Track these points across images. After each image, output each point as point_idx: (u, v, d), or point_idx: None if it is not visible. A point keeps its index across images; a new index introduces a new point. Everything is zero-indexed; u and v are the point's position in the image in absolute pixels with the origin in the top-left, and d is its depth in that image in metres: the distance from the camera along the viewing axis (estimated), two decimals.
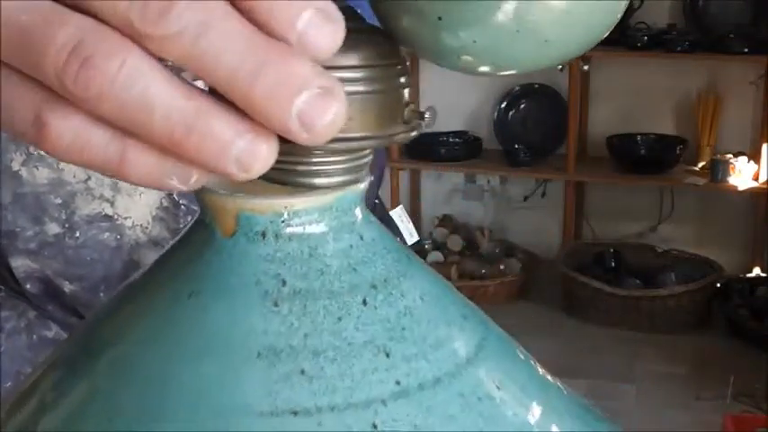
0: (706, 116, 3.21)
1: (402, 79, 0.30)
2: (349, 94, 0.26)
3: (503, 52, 0.29)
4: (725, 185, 3.13)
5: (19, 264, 0.62)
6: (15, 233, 0.60)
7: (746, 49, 3.02)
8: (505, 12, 0.28)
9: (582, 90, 3.36)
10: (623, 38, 3.16)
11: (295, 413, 0.27)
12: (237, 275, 0.29)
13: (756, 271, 3.25)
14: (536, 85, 3.48)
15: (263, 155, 0.25)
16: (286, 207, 0.29)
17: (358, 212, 0.31)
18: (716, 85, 3.26)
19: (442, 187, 3.71)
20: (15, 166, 0.59)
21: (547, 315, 3.12)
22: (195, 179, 0.26)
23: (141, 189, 0.61)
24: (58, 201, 0.60)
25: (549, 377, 0.33)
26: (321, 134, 0.24)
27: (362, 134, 0.29)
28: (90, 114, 0.25)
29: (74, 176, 0.60)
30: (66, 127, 0.25)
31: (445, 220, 3.58)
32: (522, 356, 0.32)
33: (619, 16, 0.30)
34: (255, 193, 0.30)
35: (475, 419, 0.29)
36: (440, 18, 0.28)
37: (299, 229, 0.29)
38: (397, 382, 0.28)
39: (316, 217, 0.30)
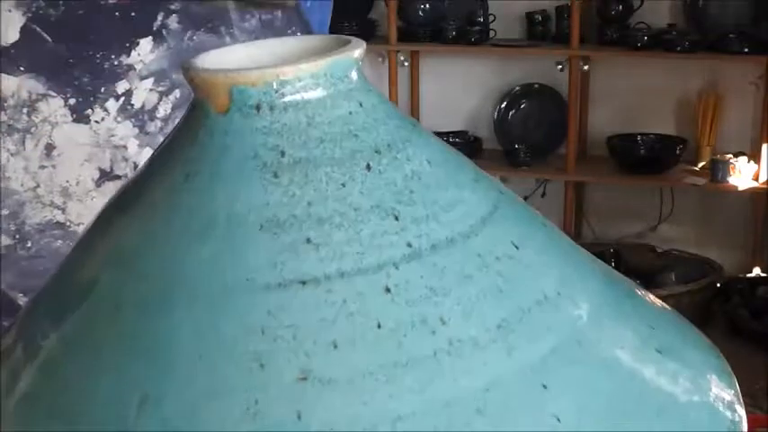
0: (706, 116, 3.20)
1: None
2: None
3: None
4: (725, 185, 3.12)
5: None
6: None
7: (746, 49, 3.01)
8: None
9: (582, 90, 3.36)
10: (623, 38, 3.16)
11: (303, 282, 0.26)
12: (234, 151, 0.28)
13: (756, 271, 3.24)
14: (536, 85, 3.48)
15: None
16: (278, 76, 0.28)
17: (355, 78, 0.29)
18: (716, 85, 3.26)
19: None
20: None
21: None
22: None
23: (93, 194, 0.59)
24: (6, 211, 0.58)
25: (568, 239, 0.32)
26: None
27: None
28: None
29: (21, 185, 0.58)
30: None
31: None
32: (540, 219, 0.31)
33: None
34: (246, 67, 0.29)
35: (493, 279, 0.27)
36: None
37: (294, 98, 0.28)
38: (409, 245, 0.27)
39: (310, 84, 0.28)
